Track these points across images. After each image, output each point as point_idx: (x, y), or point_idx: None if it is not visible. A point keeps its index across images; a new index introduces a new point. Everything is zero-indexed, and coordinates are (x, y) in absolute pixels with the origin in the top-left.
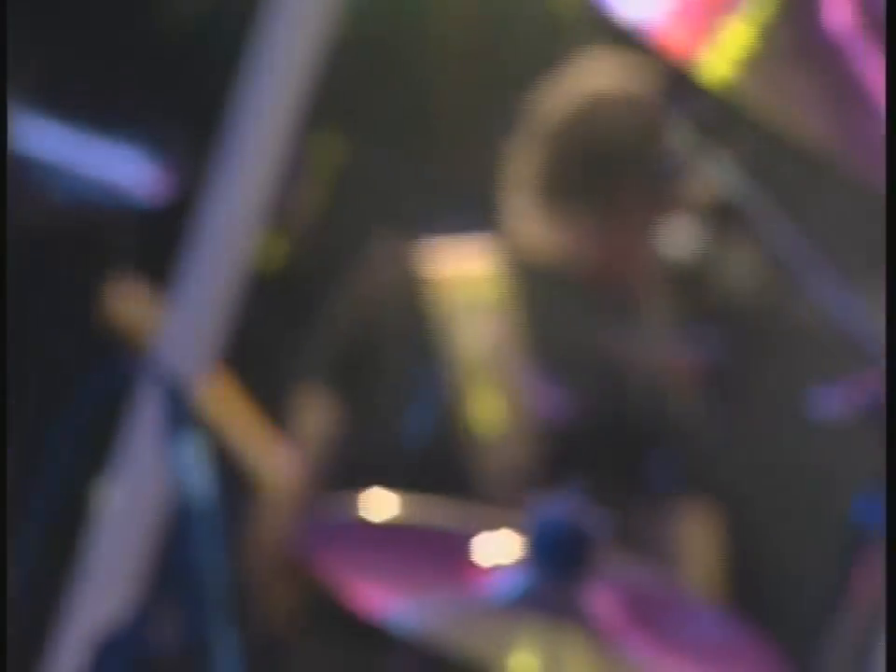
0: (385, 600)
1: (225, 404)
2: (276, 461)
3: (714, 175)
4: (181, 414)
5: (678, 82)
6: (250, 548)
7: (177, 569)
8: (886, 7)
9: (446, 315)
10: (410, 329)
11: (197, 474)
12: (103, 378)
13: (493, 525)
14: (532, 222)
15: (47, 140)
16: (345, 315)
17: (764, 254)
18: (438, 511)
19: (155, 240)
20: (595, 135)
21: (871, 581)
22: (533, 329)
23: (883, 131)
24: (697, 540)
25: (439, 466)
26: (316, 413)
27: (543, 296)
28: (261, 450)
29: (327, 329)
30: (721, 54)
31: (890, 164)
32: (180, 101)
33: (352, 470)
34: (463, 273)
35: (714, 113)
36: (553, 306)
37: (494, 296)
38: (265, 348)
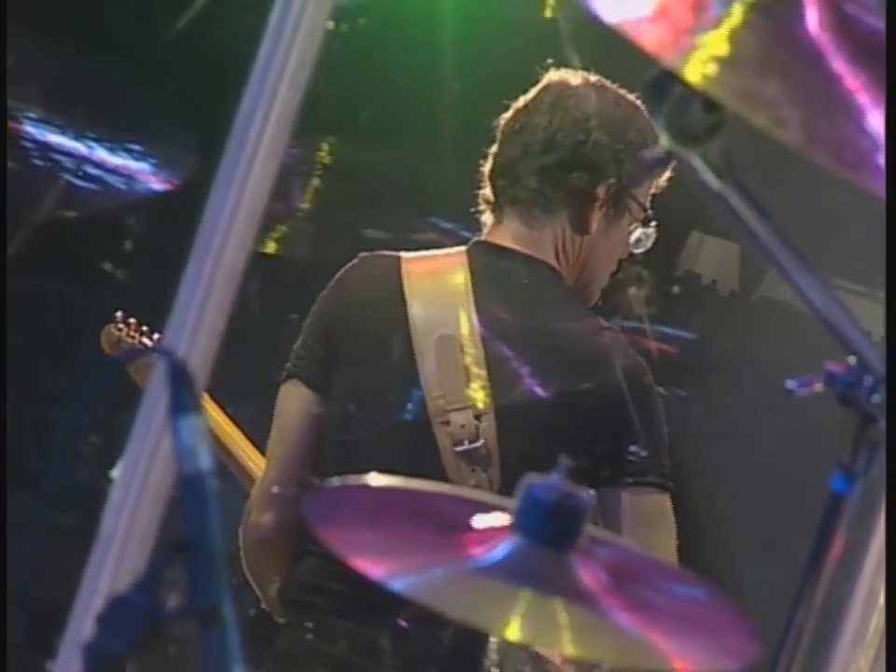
0: (385, 565)
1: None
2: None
3: (693, 165)
4: (185, 396)
5: (659, 80)
6: (243, 538)
7: (182, 539)
8: (886, 6)
9: (418, 303)
10: (378, 331)
11: (198, 451)
12: (113, 362)
13: (487, 498)
14: (490, 212)
15: (63, 133)
16: (318, 320)
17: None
18: (435, 486)
19: (164, 227)
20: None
21: (840, 544)
22: (497, 311)
23: (861, 130)
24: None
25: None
26: (295, 406)
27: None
28: (246, 449)
29: (304, 332)
30: (698, 56)
31: (891, 164)
32: (192, 102)
33: (338, 454)
34: (436, 265)
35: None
36: (515, 290)
37: (463, 283)
38: (262, 330)
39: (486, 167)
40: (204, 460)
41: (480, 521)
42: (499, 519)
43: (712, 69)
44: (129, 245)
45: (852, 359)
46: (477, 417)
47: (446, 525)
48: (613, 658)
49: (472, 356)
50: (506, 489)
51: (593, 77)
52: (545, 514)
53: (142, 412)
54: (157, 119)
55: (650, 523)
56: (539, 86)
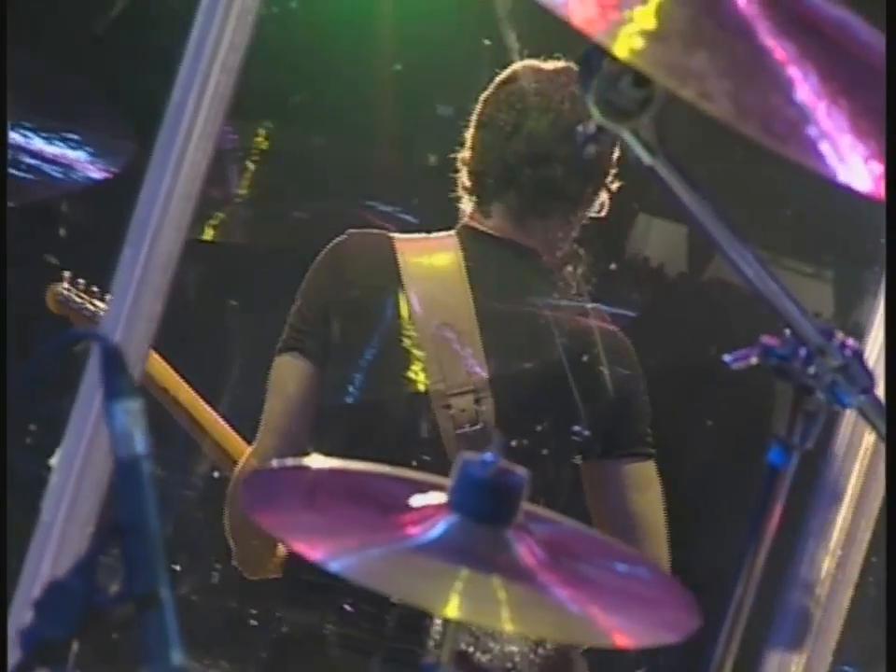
0: (323, 546)
1: (176, 389)
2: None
3: (627, 142)
4: (119, 381)
5: (589, 55)
6: (230, 509)
7: (118, 524)
8: (886, 6)
9: (404, 284)
10: (376, 312)
11: (133, 435)
12: (52, 347)
13: (424, 478)
14: (469, 200)
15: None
16: (314, 295)
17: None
18: (372, 467)
19: (102, 213)
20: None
21: (777, 513)
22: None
23: (790, 101)
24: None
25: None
26: (295, 379)
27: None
28: (221, 427)
29: (296, 305)
30: (627, 30)
31: (891, 162)
32: (129, 90)
33: (336, 432)
34: (428, 247)
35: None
36: (496, 273)
37: (450, 265)
38: (200, 315)
39: (466, 155)
40: (140, 444)
41: (417, 500)
42: (437, 498)
43: (640, 43)
44: (64, 232)
45: (787, 332)
46: (477, 401)
47: (384, 504)
48: (554, 634)
49: (470, 341)
50: None
51: (560, 65)
52: (481, 492)
53: (79, 399)
54: (93, 107)
55: (640, 488)
56: (521, 76)
